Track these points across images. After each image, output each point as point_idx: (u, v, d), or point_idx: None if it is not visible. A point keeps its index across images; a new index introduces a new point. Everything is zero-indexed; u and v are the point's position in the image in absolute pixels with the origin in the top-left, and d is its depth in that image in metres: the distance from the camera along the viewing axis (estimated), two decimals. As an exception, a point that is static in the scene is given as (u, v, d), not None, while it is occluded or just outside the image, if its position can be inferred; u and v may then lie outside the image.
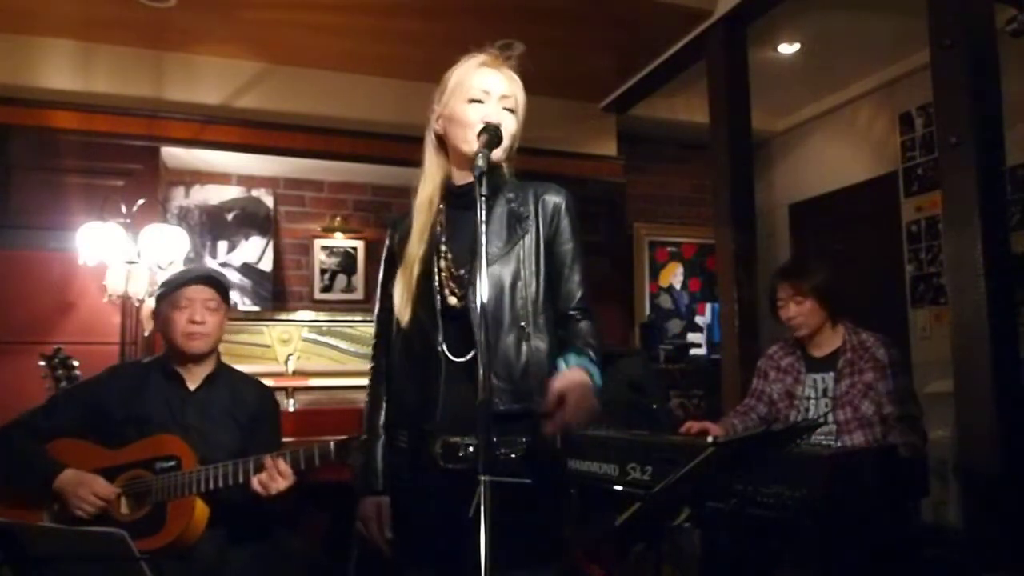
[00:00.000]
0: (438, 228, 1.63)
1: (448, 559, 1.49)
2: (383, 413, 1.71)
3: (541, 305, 1.61)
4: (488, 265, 1.54)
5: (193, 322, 2.20)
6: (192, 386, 2.25)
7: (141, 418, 2.15)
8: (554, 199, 1.66)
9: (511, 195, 1.66)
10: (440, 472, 1.54)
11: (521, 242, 1.62)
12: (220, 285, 2.30)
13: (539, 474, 1.52)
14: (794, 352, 2.73)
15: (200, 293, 2.24)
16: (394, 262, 1.70)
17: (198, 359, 2.25)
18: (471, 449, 1.51)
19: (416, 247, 1.62)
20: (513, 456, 1.53)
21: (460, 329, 1.56)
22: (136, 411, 2.16)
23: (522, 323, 1.58)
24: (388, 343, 1.71)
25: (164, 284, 2.31)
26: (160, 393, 2.21)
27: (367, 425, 1.72)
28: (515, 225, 1.63)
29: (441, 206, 1.64)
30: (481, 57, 1.64)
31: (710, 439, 2.40)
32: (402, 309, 1.62)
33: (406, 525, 1.62)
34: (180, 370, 2.25)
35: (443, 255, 1.62)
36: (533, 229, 1.63)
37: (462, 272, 1.60)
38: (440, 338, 1.57)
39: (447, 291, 1.60)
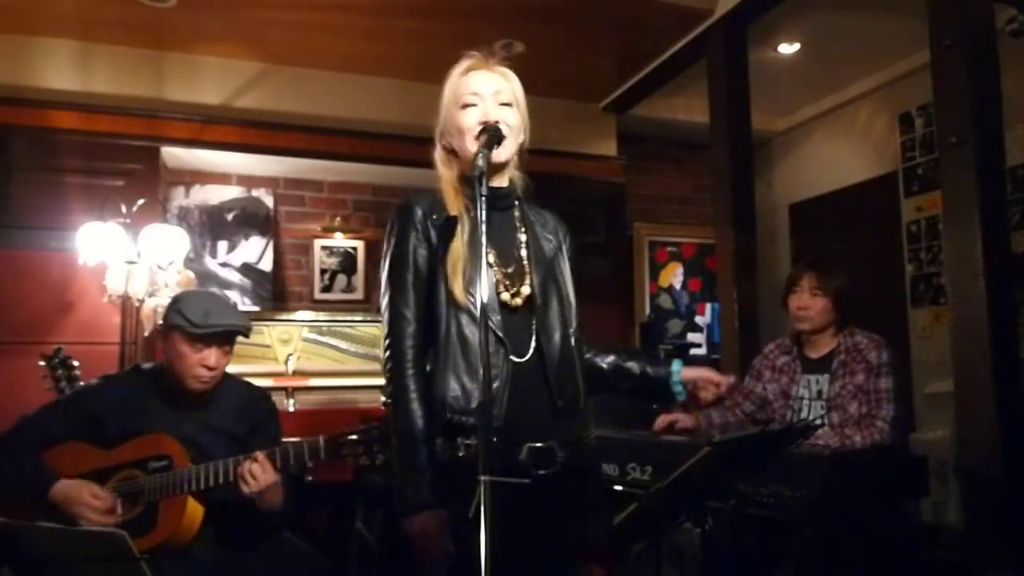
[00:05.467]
0: (474, 223, 1.58)
1: (515, 559, 1.36)
2: (423, 413, 1.52)
3: (575, 313, 1.69)
4: (541, 270, 1.64)
5: (206, 367, 2.15)
6: (191, 404, 2.23)
7: (137, 433, 2.13)
8: (565, 229, 1.78)
9: (533, 211, 1.74)
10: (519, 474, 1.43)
11: (556, 254, 1.71)
12: (238, 336, 2.21)
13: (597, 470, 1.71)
14: (790, 352, 2.72)
15: (220, 340, 2.16)
16: (420, 238, 1.59)
17: None
18: (557, 454, 1.53)
19: (461, 237, 1.57)
20: (586, 449, 1.63)
21: (516, 327, 1.57)
22: (132, 425, 2.14)
23: (569, 329, 1.65)
24: (416, 326, 1.56)
25: (186, 317, 2.14)
26: (157, 410, 2.19)
27: (406, 429, 1.51)
28: (548, 239, 1.71)
29: (468, 203, 1.61)
30: (466, 62, 1.65)
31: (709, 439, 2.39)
32: (460, 292, 1.53)
33: (469, 531, 1.42)
34: (182, 390, 2.20)
35: (488, 251, 1.58)
36: (557, 248, 1.73)
37: (510, 270, 1.61)
38: (503, 334, 1.54)
39: (502, 287, 1.59)
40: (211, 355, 2.15)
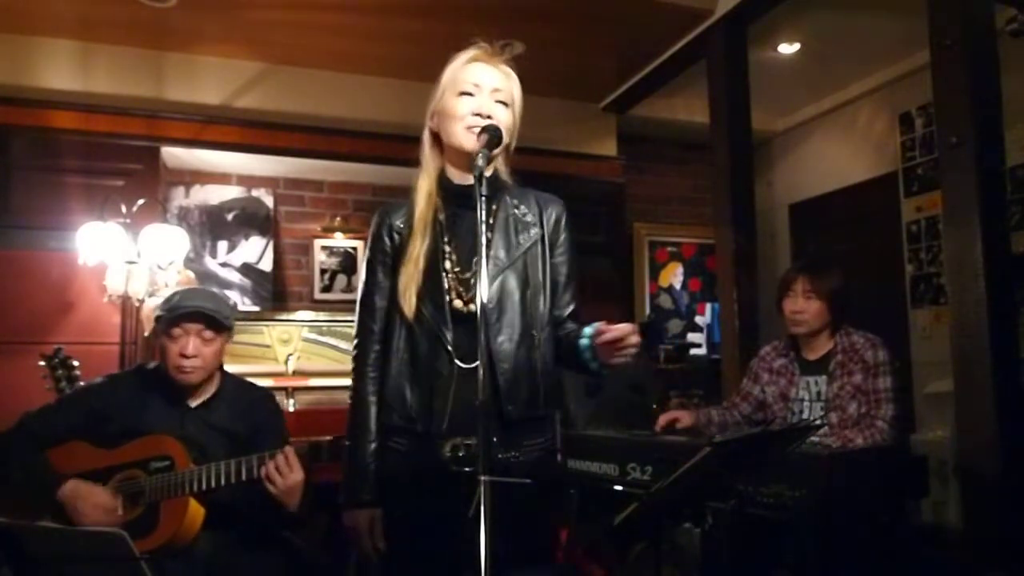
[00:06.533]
0: (439, 227, 1.62)
1: (449, 561, 1.46)
2: (375, 414, 1.62)
3: (547, 315, 1.65)
4: (497, 271, 1.59)
5: (184, 355, 2.13)
6: (194, 403, 2.23)
7: (139, 432, 2.13)
8: (556, 210, 1.71)
9: (514, 201, 1.68)
10: (446, 475, 1.51)
11: (529, 250, 1.64)
12: (214, 320, 2.17)
13: (546, 476, 1.60)
14: (787, 354, 2.71)
15: (194, 325, 2.15)
16: (386, 252, 1.66)
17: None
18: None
19: (419, 244, 1.60)
20: (526, 459, 1.57)
21: (468, 333, 1.55)
22: (134, 424, 2.14)
23: (533, 331, 1.60)
24: (380, 336, 1.64)
25: (162, 307, 2.20)
26: (160, 409, 2.19)
27: (356, 427, 1.63)
28: (522, 232, 1.65)
29: (440, 203, 1.63)
30: (472, 52, 1.65)
31: (710, 439, 2.39)
32: (408, 305, 1.58)
33: (404, 530, 1.57)
34: (181, 387, 2.20)
35: (447, 255, 1.61)
36: (538, 237, 1.66)
37: (468, 275, 1.59)
38: (449, 342, 1.56)
39: (454, 294, 1.59)
40: (188, 343, 2.13)
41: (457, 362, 1.55)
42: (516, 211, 1.66)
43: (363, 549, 1.58)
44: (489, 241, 1.61)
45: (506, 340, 1.57)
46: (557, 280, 1.68)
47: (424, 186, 1.64)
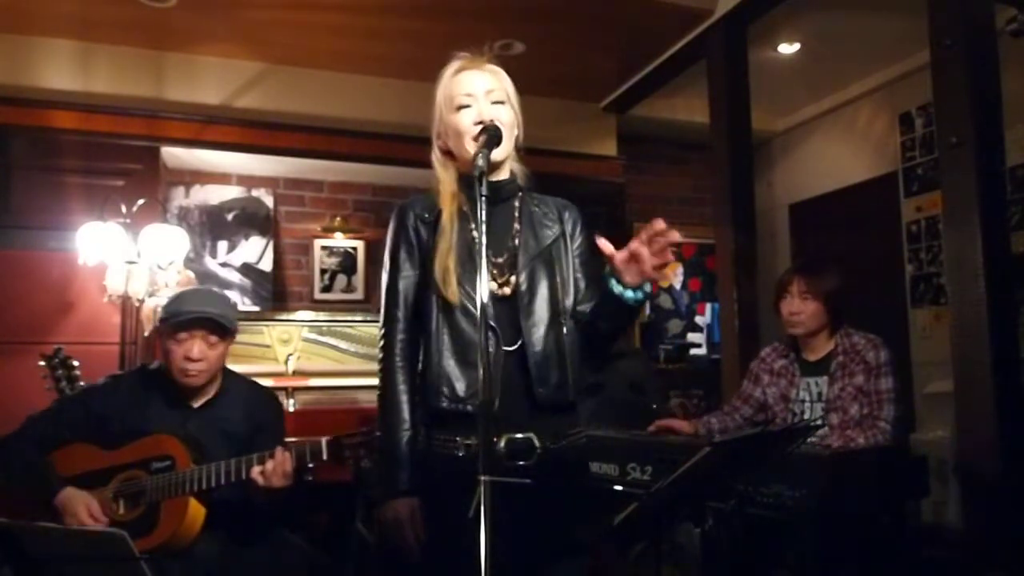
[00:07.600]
0: (466, 217, 1.63)
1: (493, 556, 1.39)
2: (407, 401, 1.60)
3: (572, 309, 1.67)
4: (528, 259, 1.63)
5: (189, 359, 2.13)
6: (196, 404, 2.23)
7: (141, 432, 2.13)
8: (573, 214, 1.76)
9: (535, 201, 1.72)
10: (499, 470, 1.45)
11: (554, 242, 1.68)
12: (219, 325, 2.17)
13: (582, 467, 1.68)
14: (787, 355, 2.70)
15: (199, 330, 2.15)
16: (411, 241, 1.66)
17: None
18: (535, 445, 1.51)
19: (450, 234, 1.61)
20: (572, 447, 1.60)
21: (504, 315, 1.58)
22: (137, 425, 2.14)
23: (560, 319, 1.63)
24: (406, 324, 1.64)
25: (165, 310, 2.20)
26: (162, 409, 2.19)
27: (389, 417, 1.60)
28: (547, 226, 1.69)
29: (464, 198, 1.65)
30: (456, 64, 1.66)
31: (709, 439, 2.40)
32: (451, 290, 1.57)
33: (446, 523, 1.50)
34: (184, 389, 2.20)
35: (478, 242, 1.62)
36: (559, 234, 1.70)
37: (501, 260, 1.62)
38: (493, 321, 1.55)
39: (491, 276, 1.60)
40: (193, 346, 2.13)
41: (503, 347, 1.56)
42: (537, 209, 1.71)
43: (404, 540, 1.54)
44: (519, 231, 1.65)
45: (538, 323, 1.60)
46: (578, 277, 1.71)
47: (446, 190, 1.66)
